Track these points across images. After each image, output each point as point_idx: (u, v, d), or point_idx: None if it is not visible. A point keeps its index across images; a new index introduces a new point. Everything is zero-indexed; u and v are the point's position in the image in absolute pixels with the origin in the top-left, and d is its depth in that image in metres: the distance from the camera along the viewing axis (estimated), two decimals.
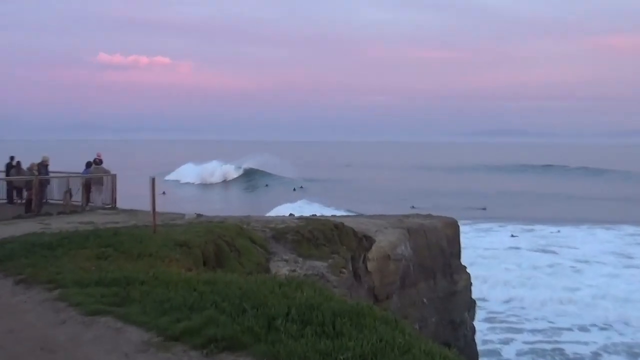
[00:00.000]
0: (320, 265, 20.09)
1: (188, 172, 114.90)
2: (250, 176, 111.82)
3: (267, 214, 40.31)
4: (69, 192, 26.63)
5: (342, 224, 24.13)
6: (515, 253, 50.95)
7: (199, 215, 25.71)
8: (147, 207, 19.62)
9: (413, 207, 75.03)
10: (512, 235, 59.05)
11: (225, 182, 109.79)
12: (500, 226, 64.80)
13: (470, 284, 30.87)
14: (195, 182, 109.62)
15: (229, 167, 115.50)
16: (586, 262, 47.70)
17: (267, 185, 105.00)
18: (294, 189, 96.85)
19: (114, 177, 28.42)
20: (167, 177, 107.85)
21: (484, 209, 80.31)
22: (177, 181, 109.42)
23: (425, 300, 27.54)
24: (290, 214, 32.95)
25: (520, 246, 53.97)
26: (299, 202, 70.57)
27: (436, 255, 28.89)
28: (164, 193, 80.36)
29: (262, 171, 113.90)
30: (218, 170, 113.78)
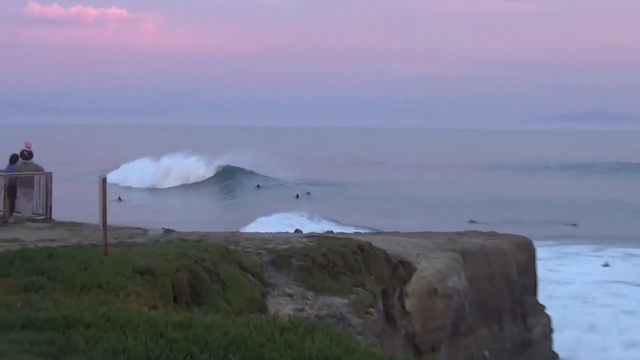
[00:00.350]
0: (338, 302, 20.09)
1: (135, 171, 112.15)
2: (227, 176, 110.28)
3: (242, 230, 40.03)
4: None
5: (370, 244, 24.12)
6: (608, 289, 50.73)
7: (167, 231, 25.78)
8: (95, 219, 19.64)
9: (472, 221, 75.12)
10: (606, 265, 58.66)
11: (186, 186, 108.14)
12: (595, 250, 64.48)
13: (551, 330, 30.82)
14: (141, 187, 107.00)
15: (197, 164, 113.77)
16: None
17: (258, 185, 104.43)
18: (297, 196, 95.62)
19: (48, 176, 28.39)
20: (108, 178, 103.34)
21: (574, 225, 79.97)
22: (116, 184, 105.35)
23: (487, 353, 27.50)
24: (297, 230, 33.01)
25: (616, 279, 53.69)
26: (293, 215, 68.84)
27: (502, 289, 28.82)
28: (119, 199, 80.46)
29: (244, 170, 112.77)
30: (178, 168, 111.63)
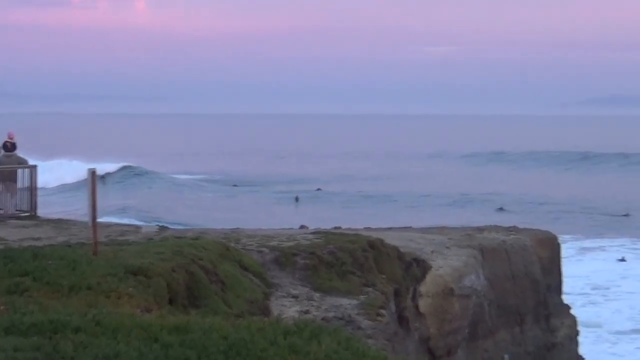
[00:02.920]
0: (347, 303, 20.08)
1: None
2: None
3: None
4: None
5: (381, 241, 24.11)
6: (622, 286, 51.05)
7: (162, 228, 25.75)
8: (82, 215, 19.66)
9: (501, 208, 75.94)
10: (621, 260, 58.78)
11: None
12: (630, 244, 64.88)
13: (577, 332, 30.79)
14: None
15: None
16: None
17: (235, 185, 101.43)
18: (297, 199, 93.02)
19: (33, 170, 28.35)
20: None
21: (627, 215, 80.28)
22: None
23: (507, 357, 27.48)
24: (302, 226, 32.93)
25: (632, 274, 53.93)
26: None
27: (524, 289, 28.79)
28: (102, 178, 79.47)
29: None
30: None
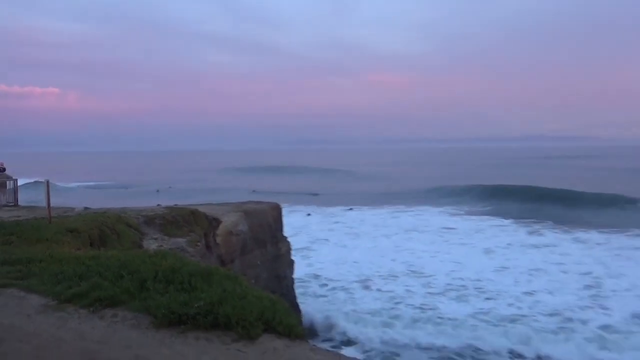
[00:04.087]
0: (181, 241, 19.77)
1: None
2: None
3: None
4: None
5: (197, 209, 23.84)
6: (307, 226, 52.57)
7: (86, 208, 24.36)
8: (44, 204, 18.41)
9: (254, 191, 76.28)
10: (308, 215, 60.57)
11: None
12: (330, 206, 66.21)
13: (290, 249, 31.40)
14: None
15: None
16: (357, 235, 49.25)
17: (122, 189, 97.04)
18: (158, 190, 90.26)
19: (15, 181, 26.52)
20: None
21: (316, 194, 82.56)
22: None
23: (259, 262, 27.76)
24: (158, 205, 31.88)
25: (312, 222, 55.61)
26: None
27: (266, 230, 29.18)
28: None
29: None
30: None
